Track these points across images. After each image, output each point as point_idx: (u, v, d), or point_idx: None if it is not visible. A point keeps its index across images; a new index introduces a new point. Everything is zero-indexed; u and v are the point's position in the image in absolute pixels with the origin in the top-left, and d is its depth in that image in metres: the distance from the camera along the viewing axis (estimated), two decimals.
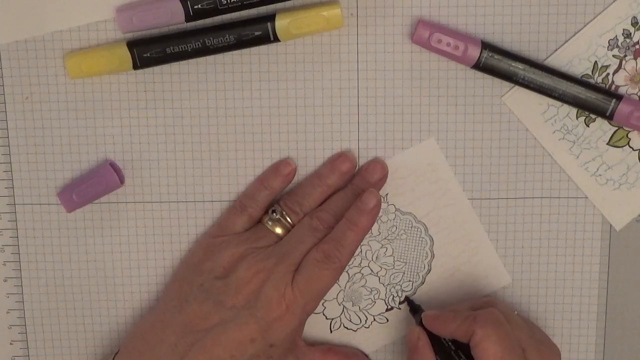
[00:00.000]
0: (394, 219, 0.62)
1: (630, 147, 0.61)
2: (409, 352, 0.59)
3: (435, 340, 0.58)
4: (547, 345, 0.58)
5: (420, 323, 0.59)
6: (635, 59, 0.60)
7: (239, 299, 0.57)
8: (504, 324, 0.56)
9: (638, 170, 0.61)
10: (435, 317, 0.58)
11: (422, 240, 0.62)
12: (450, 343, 0.58)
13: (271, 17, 0.57)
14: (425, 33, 0.58)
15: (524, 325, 0.58)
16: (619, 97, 0.59)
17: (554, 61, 0.60)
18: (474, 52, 0.58)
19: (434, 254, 0.62)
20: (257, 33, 0.58)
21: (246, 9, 0.57)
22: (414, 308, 0.62)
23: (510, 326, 0.56)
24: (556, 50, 0.60)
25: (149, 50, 0.58)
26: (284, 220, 0.59)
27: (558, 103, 0.60)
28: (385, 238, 0.62)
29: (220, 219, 0.61)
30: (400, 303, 0.63)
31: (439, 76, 0.60)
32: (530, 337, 0.57)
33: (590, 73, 0.60)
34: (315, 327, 0.63)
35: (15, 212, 0.62)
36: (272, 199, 0.61)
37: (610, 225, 0.62)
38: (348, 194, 0.60)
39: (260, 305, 0.56)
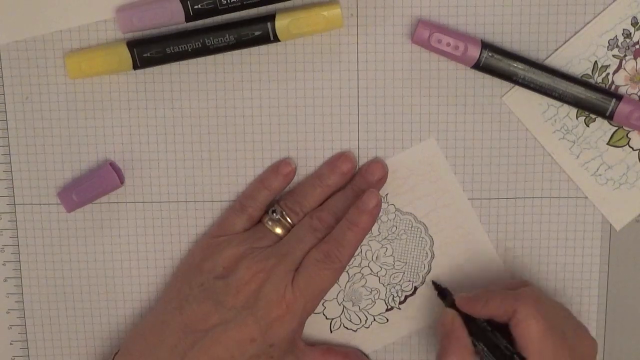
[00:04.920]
0: (394, 219, 0.62)
1: (630, 147, 0.61)
2: (443, 335, 0.58)
3: (469, 322, 0.58)
4: (584, 331, 0.58)
5: (451, 305, 0.59)
6: (635, 59, 0.60)
7: (239, 299, 0.57)
8: (546, 303, 0.55)
9: (638, 170, 0.61)
10: (471, 298, 0.57)
11: (422, 240, 0.62)
12: (485, 324, 0.57)
13: (271, 17, 0.57)
14: (425, 33, 0.58)
15: (562, 308, 0.57)
16: (619, 97, 0.59)
17: (554, 61, 0.60)
18: (474, 52, 0.58)
19: (434, 254, 0.62)
20: (257, 33, 0.58)
21: (246, 9, 0.57)
22: (442, 292, 0.61)
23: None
24: (556, 50, 0.60)
25: (149, 50, 0.58)
26: (284, 220, 0.59)
27: (558, 103, 0.60)
28: (385, 238, 0.62)
29: (220, 219, 0.61)
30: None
31: (439, 76, 0.60)
32: (569, 320, 0.57)
33: (590, 73, 0.60)
34: (315, 327, 0.63)
35: (15, 212, 0.62)
36: (272, 199, 0.61)
37: (610, 225, 0.62)
38: (348, 194, 0.60)
39: (260, 305, 0.56)
